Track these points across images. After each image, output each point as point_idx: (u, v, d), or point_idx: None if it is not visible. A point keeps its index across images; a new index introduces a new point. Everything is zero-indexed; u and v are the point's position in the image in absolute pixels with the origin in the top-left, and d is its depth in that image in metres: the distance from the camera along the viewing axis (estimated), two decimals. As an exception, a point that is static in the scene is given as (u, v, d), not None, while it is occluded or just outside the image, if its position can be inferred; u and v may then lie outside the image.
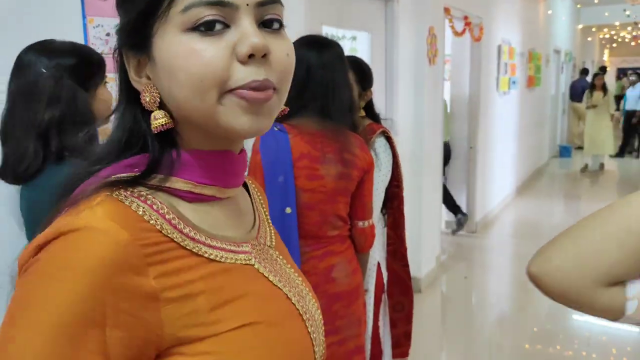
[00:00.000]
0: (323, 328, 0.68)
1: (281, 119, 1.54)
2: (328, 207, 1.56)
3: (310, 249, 1.57)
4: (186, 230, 0.53)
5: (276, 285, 0.60)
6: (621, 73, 18.10)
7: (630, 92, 10.35)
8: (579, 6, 11.74)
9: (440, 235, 4.29)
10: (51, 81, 1.22)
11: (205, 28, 0.50)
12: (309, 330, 0.61)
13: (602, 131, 8.48)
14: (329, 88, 1.54)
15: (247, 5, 0.51)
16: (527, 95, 7.21)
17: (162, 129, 0.55)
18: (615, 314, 0.67)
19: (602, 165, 8.68)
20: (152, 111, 0.55)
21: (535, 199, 6.89)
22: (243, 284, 0.56)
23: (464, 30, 4.38)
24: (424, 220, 3.79)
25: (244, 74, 0.51)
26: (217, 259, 0.55)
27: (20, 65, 1.23)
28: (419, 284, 3.81)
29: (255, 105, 0.52)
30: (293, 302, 0.61)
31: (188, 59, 0.50)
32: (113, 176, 0.53)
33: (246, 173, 0.65)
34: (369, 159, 1.63)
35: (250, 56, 0.51)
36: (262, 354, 0.54)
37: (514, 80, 6.27)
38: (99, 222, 0.48)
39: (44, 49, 1.25)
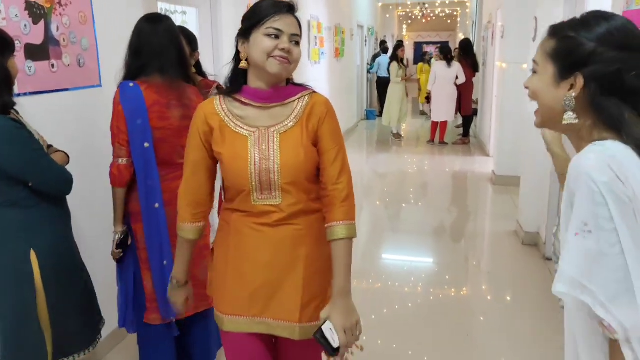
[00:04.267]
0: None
1: (132, 77, 2.01)
2: (176, 141, 2.05)
3: (166, 173, 2.07)
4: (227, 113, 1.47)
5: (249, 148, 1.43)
6: (417, 46, 20.80)
7: (383, 59, 10.47)
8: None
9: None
10: None
11: (272, 36, 1.36)
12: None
13: (404, 101, 8.54)
14: (163, 51, 2.00)
15: (286, 34, 1.37)
16: (336, 65, 8.26)
17: (244, 68, 1.44)
18: None
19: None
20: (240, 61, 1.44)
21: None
22: (232, 139, 1.43)
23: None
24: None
25: (279, 53, 1.36)
26: (231, 127, 1.44)
27: None
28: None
29: (282, 63, 1.38)
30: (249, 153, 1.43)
31: (262, 44, 1.36)
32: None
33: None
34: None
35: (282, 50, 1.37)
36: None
37: (323, 51, 7.22)
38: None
39: None
